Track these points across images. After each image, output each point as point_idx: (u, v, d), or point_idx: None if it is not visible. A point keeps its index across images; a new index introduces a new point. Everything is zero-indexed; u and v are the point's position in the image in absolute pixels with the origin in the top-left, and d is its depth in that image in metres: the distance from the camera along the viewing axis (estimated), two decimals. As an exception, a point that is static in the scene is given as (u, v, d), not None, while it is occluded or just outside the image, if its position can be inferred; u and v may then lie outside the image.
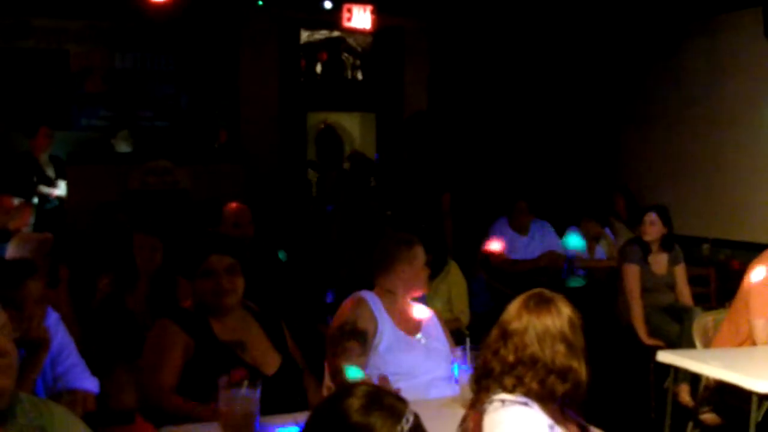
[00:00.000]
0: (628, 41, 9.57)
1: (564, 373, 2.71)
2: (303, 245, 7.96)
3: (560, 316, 2.76)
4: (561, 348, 2.72)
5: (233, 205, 6.46)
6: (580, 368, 2.72)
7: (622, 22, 9.17)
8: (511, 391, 2.72)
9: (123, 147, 8.72)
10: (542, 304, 2.79)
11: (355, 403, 2.14)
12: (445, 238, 6.99)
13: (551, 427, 2.69)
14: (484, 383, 2.80)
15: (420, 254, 4.43)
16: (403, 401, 2.21)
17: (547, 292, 2.84)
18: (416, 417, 2.18)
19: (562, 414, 2.80)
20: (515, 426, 2.65)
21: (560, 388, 2.71)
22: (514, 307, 2.84)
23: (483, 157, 9.69)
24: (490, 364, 2.79)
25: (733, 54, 8.49)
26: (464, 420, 2.82)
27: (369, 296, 4.32)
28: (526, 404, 2.70)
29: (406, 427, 2.13)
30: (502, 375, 2.75)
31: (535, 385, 2.70)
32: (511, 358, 2.75)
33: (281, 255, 7.04)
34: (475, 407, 2.78)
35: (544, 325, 2.74)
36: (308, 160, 9.85)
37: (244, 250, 4.28)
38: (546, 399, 2.73)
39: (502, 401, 2.71)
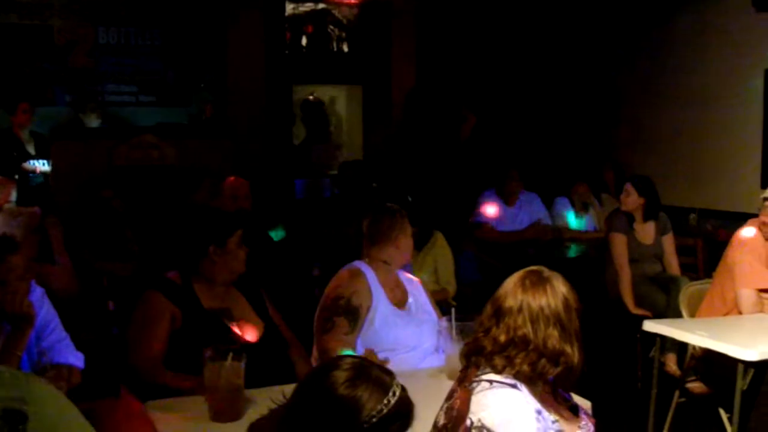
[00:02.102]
0: (616, 14, 9.54)
1: (556, 357, 2.66)
2: (291, 219, 7.95)
3: (555, 297, 2.70)
4: (554, 331, 2.67)
5: (231, 178, 6.47)
6: (573, 352, 2.67)
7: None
8: (500, 371, 2.69)
9: (93, 121, 8.67)
10: (539, 283, 2.73)
11: (341, 376, 2.17)
12: (432, 210, 6.96)
13: (539, 412, 2.66)
14: (474, 360, 2.76)
15: (409, 224, 4.46)
16: (389, 374, 2.24)
17: (545, 271, 2.78)
18: (403, 389, 2.21)
19: (553, 396, 2.78)
20: (503, 410, 2.61)
21: (551, 372, 2.67)
22: (510, 283, 2.78)
23: (471, 129, 9.66)
24: (482, 341, 2.75)
25: (721, 26, 8.46)
26: (450, 396, 2.77)
27: (364, 267, 4.32)
28: (514, 386, 2.67)
29: (393, 399, 2.16)
30: (493, 354, 2.71)
31: (525, 367, 2.66)
32: (502, 338, 2.70)
33: (277, 234, 7.02)
34: (463, 384, 2.74)
35: (539, 305, 2.69)
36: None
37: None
38: (535, 381, 2.70)
39: (490, 382, 2.67)
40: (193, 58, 9.15)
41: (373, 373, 2.21)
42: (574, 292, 2.76)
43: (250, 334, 3.99)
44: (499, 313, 2.74)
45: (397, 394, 2.18)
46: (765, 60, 7.87)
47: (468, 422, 2.62)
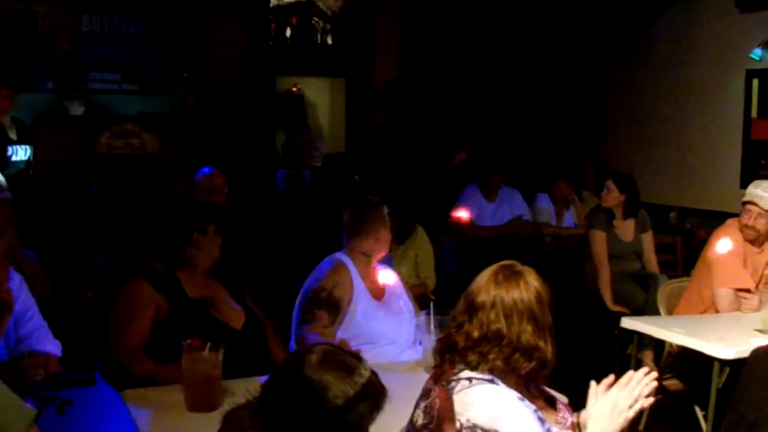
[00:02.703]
0: (600, 11, 9.56)
1: (530, 352, 2.65)
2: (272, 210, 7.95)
3: (529, 291, 2.68)
4: (528, 326, 2.65)
5: (205, 171, 6.36)
6: (547, 347, 2.66)
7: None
8: (474, 367, 2.67)
9: (76, 110, 8.63)
10: (512, 277, 2.71)
11: (310, 360, 2.21)
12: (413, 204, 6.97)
13: (521, 400, 2.65)
14: (448, 357, 2.74)
15: (388, 217, 4.47)
16: (358, 358, 2.27)
17: (518, 265, 2.77)
18: (373, 373, 2.25)
19: (527, 389, 2.76)
20: (488, 405, 2.59)
21: (525, 367, 2.66)
22: (482, 278, 2.76)
23: (453, 122, 9.66)
24: (454, 337, 2.73)
25: (704, 23, 8.49)
26: (427, 394, 2.73)
27: (347, 260, 4.33)
28: (492, 381, 2.65)
29: (360, 381, 2.20)
30: (466, 350, 2.69)
31: (499, 363, 2.65)
32: (476, 333, 2.68)
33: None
34: (440, 383, 2.71)
35: (512, 299, 2.67)
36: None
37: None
38: (509, 375, 2.68)
39: (469, 380, 2.65)
40: (176, 47, 9.10)
41: (340, 357, 2.26)
42: (547, 286, 2.75)
43: (235, 322, 4.01)
44: (472, 308, 2.72)
45: (365, 376, 2.22)
46: (747, 60, 7.90)
47: (458, 424, 2.60)
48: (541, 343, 2.66)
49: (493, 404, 2.60)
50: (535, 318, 2.67)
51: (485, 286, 2.73)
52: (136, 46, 8.97)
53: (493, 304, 2.68)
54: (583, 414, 2.78)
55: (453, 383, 2.67)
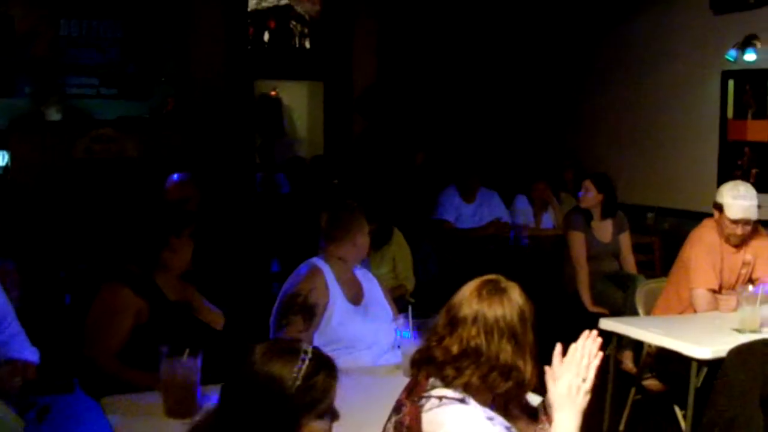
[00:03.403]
0: (576, 13, 9.60)
1: (507, 371, 2.60)
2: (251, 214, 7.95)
3: (512, 309, 2.63)
4: (508, 345, 2.60)
5: (175, 177, 6.30)
6: (525, 367, 2.61)
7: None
8: (449, 381, 2.62)
9: (54, 115, 8.59)
10: (496, 293, 2.66)
11: (255, 357, 2.30)
12: (391, 207, 6.97)
13: (491, 419, 2.61)
14: (424, 369, 2.70)
15: (366, 221, 4.47)
16: (297, 341, 2.43)
17: (503, 281, 2.71)
18: (315, 352, 2.34)
19: (506, 409, 2.75)
20: (456, 426, 2.55)
21: (502, 386, 2.61)
22: (466, 291, 2.71)
23: (432, 125, 9.69)
24: (433, 351, 2.68)
25: (679, 25, 8.53)
26: (399, 409, 2.69)
27: (323, 265, 4.32)
28: (463, 401, 2.60)
29: (307, 357, 2.29)
30: (444, 365, 2.64)
31: (475, 380, 2.60)
32: (455, 348, 2.63)
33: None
34: (411, 398, 2.66)
35: (494, 316, 2.62)
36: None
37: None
38: (484, 393, 2.64)
39: (440, 398, 2.61)
40: (154, 52, 9.08)
41: (281, 345, 2.40)
42: (530, 303, 2.71)
43: (216, 324, 4.03)
44: (454, 323, 2.67)
45: (310, 352, 2.32)
46: (722, 61, 7.95)
47: None
48: (520, 363, 2.61)
49: (462, 426, 2.56)
50: (516, 337, 2.63)
51: (468, 300, 2.68)
52: (115, 51, 8.94)
53: (475, 320, 2.64)
54: (548, 397, 2.76)
55: (424, 400, 2.62)
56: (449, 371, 2.63)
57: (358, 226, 4.40)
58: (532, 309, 2.70)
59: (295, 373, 2.25)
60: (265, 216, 7.80)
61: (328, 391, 2.31)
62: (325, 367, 2.32)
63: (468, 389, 2.62)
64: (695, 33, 8.33)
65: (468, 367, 2.61)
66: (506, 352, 2.61)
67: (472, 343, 2.62)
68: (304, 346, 2.34)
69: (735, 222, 5.23)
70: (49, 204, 7.42)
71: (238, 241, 6.79)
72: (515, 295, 2.68)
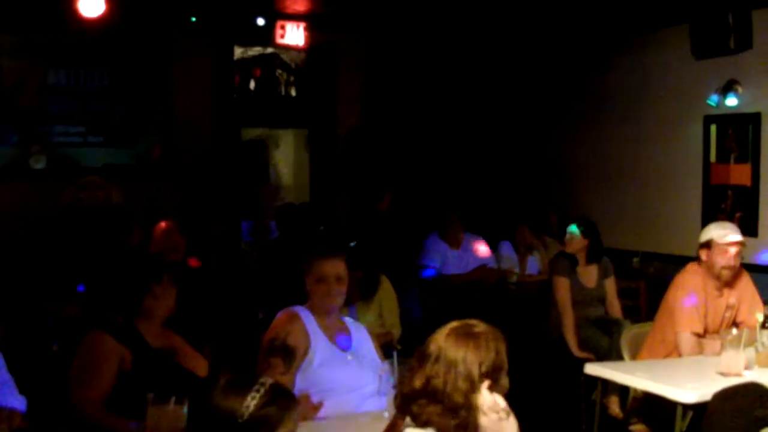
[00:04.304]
0: (558, 57, 9.68)
1: (455, 410, 2.62)
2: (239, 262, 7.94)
3: (478, 355, 2.65)
4: (463, 385, 2.63)
5: (161, 225, 6.33)
6: (472, 412, 2.62)
7: (553, 38, 9.28)
8: (415, 419, 2.67)
9: (38, 164, 8.60)
10: (466, 336, 2.69)
11: (217, 390, 2.45)
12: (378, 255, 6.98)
13: None
14: (401, 408, 2.76)
15: (332, 268, 4.43)
16: (260, 376, 2.48)
17: (480, 326, 2.74)
18: (273, 385, 2.45)
19: None
20: None
21: (450, 424, 2.63)
22: (440, 330, 2.76)
23: (415, 171, 9.73)
24: (405, 388, 2.74)
25: (661, 71, 8.63)
26: None
27: (302, 312, 4.33)
28: None
29: (262, 389, 2.40)
30: (409, 401, 2.69)
31: (435, 417, 2.64)
32: (417, 383, 2.68)
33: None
34: None
35: (455, 358, 2.65)
36: None
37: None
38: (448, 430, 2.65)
39: None
40: (141, 100, 9.12)
41: (242, 379, 2.51)
42: (499, 353, 2.70)
43: (200, 370, 4.03)
44: (421, 358, 2.72)
45: (267, 384, 2.43)
46: (704, 106, 8.03)
47: None
48: (471, 405, 2.63)
49: None
50: (473, 382, 2.64)
51: (437, 338, 2.73)
52: (101, 99, 8.98)
53: (438, 358, 2.67)
54: None
55: None
56: (415, 408, 2.68)
57: (330, 274, 4.39)
58: (498, 359, 2.70)
59: (247, 404, 2.36)
60: (253, 262, 7.80)
61: (281, 422, 2.40)
62: (279, 399, 2.42)
63: (431, 426, 2.65)
64: (677, 78, 8.43)
65: (429, 404, 2.66)
66: (459, 391, 2.63)
67: (433, 383, 2.66)
68: (263, 379, 2.45)
69: (730, 245, 5.29)
70: (36, 252, 7.40)
71: (225, 287, 6.80)
72: (484, 341, 2.70)
